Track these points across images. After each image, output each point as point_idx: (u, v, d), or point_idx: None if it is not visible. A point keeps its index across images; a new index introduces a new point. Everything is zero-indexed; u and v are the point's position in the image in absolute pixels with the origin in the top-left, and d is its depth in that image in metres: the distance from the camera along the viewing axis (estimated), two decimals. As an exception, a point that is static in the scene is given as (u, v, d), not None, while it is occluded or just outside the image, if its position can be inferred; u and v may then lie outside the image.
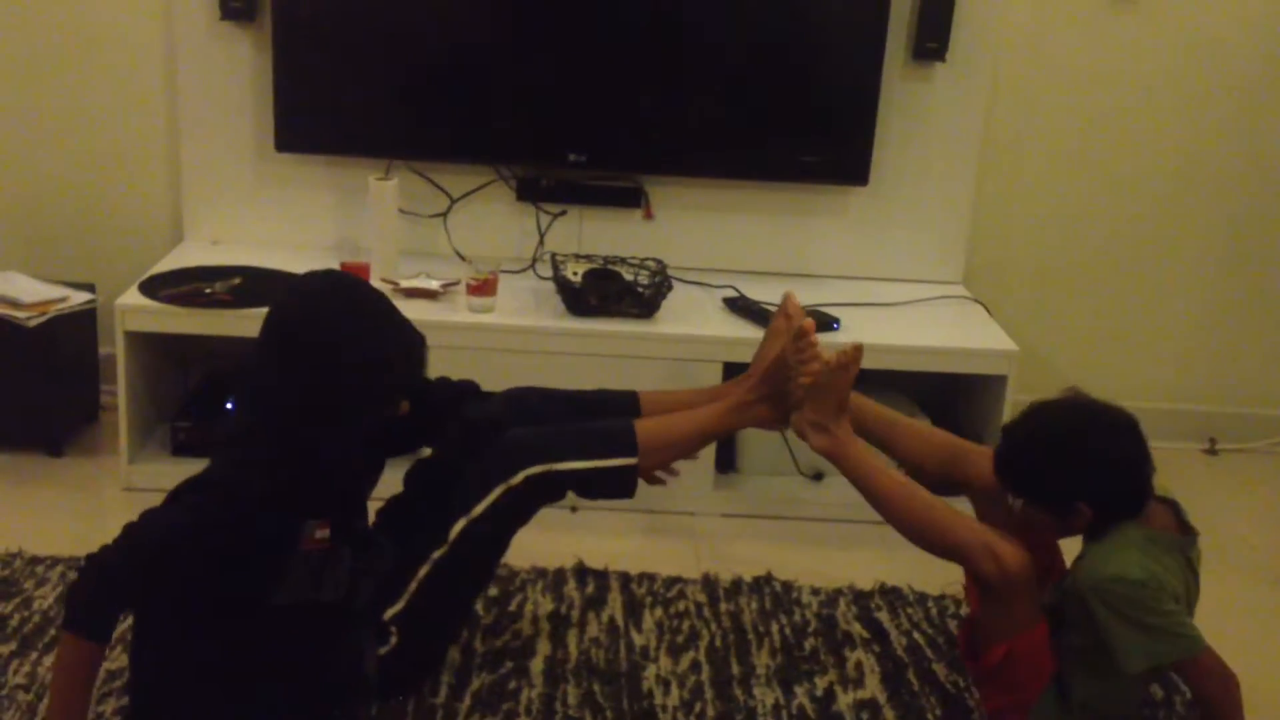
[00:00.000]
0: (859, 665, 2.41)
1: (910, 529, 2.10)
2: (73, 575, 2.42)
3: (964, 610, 2.59)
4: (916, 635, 2.52)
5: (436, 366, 2.82)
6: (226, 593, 1.89)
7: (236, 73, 3.15)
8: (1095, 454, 2.00)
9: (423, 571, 2.08)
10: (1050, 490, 2.02)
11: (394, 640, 2.08)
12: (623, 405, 2.38)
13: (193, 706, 1.97)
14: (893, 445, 2.35)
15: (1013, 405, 2.97)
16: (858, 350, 2.13)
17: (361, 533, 2.13)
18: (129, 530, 1.88)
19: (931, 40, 3.17)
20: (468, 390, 2.34)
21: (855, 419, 2.25)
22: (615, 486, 2.19)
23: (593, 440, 2.17)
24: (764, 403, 2.27)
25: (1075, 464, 2.00)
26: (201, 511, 1.88)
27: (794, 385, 2.22)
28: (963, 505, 2.19)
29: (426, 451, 2.34)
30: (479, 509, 2.08)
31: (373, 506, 2.24)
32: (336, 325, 1.94)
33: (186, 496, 1.93)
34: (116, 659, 2.22)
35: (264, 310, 2.00)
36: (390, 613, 2.08)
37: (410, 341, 2.02)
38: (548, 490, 2.13)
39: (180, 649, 1.96)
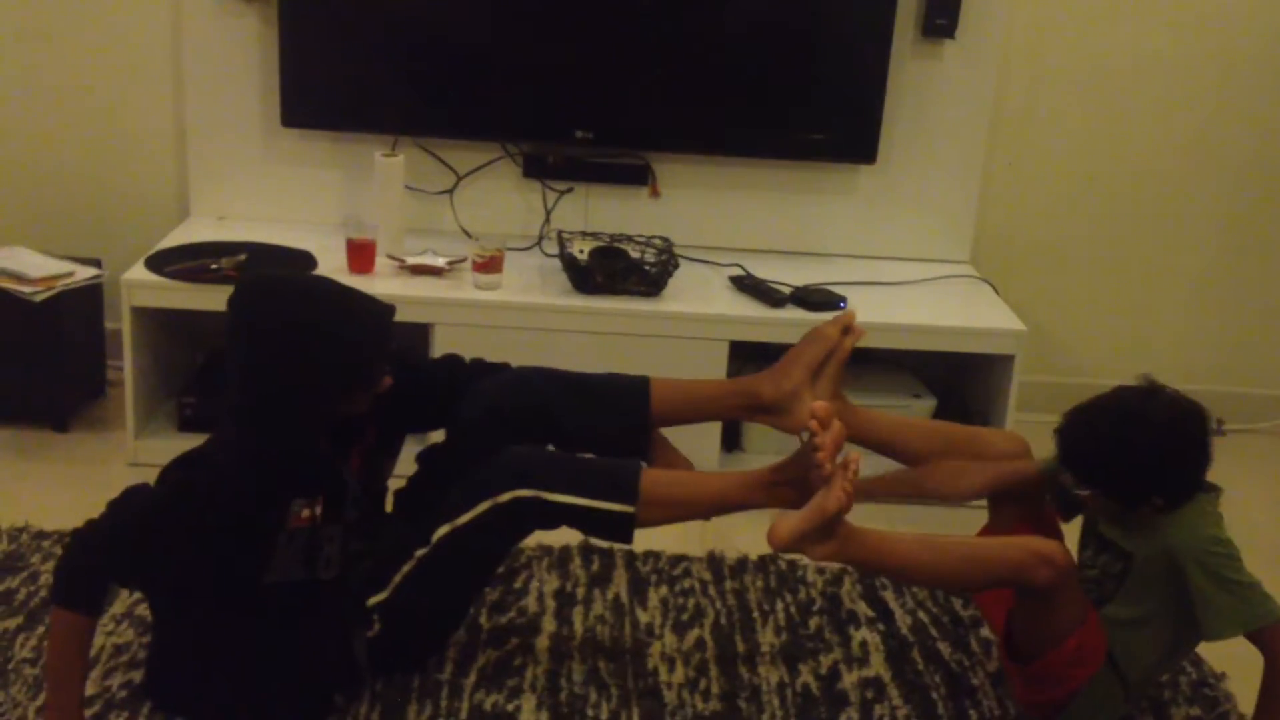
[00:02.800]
0: (863, 644, 2.41)
1: (955, 580, 2.09)
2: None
3: (968, 612, 2.59)
4: (921, 614, 2.52)
5: (442, 344, 2.82)
6: (216, 570, 1.91)
7: (243, 48, 3.14)
8: (1178, 454, 2.02)
9: (407, 567, 2.06)
10: (1130, 487, 2.04)
11: (376, 627, 2.07)
12: (633, 390, 2.28)
13: (197, 680, 2.00)
14: (898, 447, 2.31)
15: (1020, 384, 2.97)
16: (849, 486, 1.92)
17: (367, 511, 2.13)
18: (112, 505, 1.91)
19: (941, 17, 3.15)
20: (481, 370, 2.32)
21: (858, 434, 2.22)
22: (609, 530, 2.07)
23: (594, 477, 2.05)
24: (788, 485, 2.08)
25: (1159, 465, 2.01)
26: (183, 489, 1.91)
27: (815, 481, 1.97)
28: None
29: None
30: (463, 519, 2.02)
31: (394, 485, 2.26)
32: (296, 309, 1.96)
33: (172, 474, 1.95)
34: (122, 633, 2.23)
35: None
36: (374, 600, 2.06)
37: (374, 317, 2.02)
38: (537, 517, 2.05)
39: (183, 624, 1.99)
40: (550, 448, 2.22)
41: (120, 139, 3.26)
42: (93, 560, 1.87)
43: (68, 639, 1.87)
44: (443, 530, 2.03)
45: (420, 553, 2.04)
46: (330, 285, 2.05)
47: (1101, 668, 2.05)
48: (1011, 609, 2.13)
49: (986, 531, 2.28)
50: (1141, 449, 2.01)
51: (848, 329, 2.28)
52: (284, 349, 1.94)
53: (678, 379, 2.34)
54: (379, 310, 2.03)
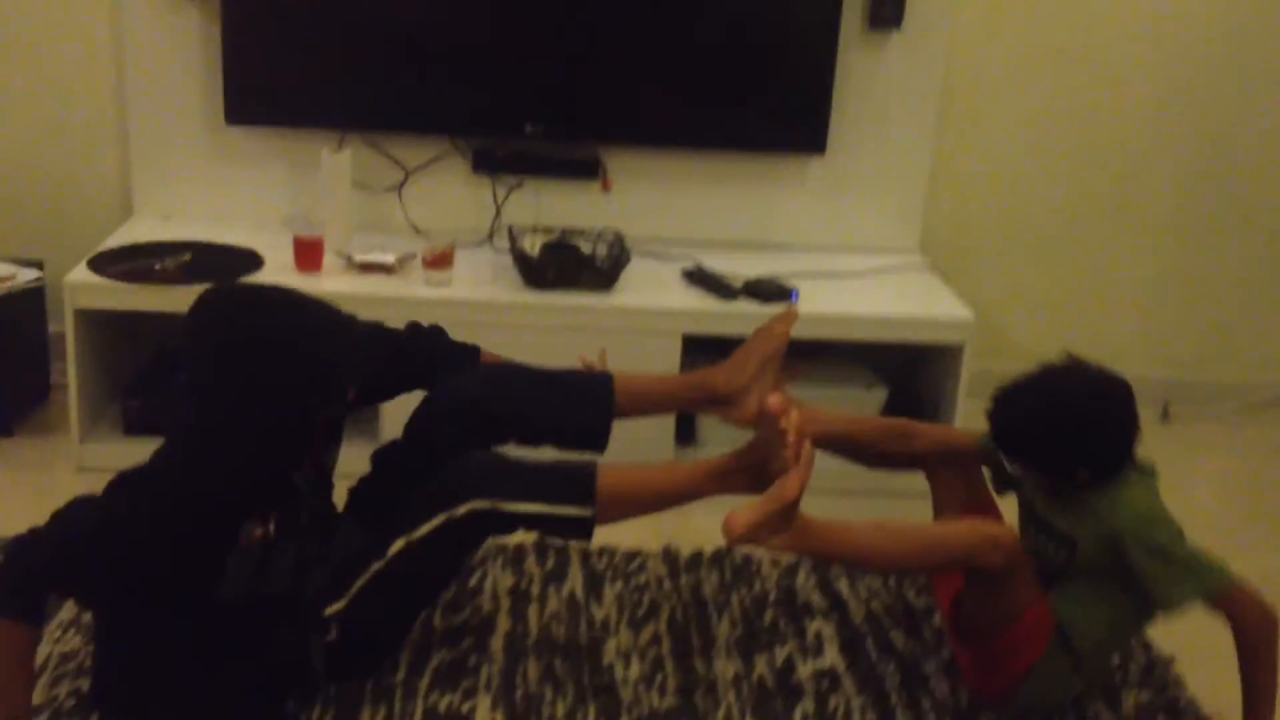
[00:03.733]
0: (818, 635, 2.42)
1: (908, 564, 2.13)
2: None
3: (921, 579, 2.61)
4: (875, 604, 2.53)
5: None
6: (161, 587, 1.89)
7: (185, 44, 3.10)
8: (1099, 424, 2.06)
9: (364, 578, 2.03)
10: (1054, 459, 2.08)
11: (333, 635, 2.05)
12: (597, 385, 2.28)
13: (146, 689, 1.98)
14: (854, 437, 2.37)
15: (971, 372, 2.98)
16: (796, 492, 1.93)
17: (320, 516, 2.11)
18: (55, 516, 1.88)
19: (887, 8, 3.16)
20: (433, 343, 2.30)
21: (815, 430, 2.24)
22: (568, 531, 2.07)
23: (550, 483, 2.05)
24: (744, 473, 2.11)
25: (1079, 435, 2.06)
26: (128, 505, 1.88)
27: (776, 470, 2.01)
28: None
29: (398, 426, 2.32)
30: (419, 531, 2.00)
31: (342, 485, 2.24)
32: (266, 327, 1.93)
33: (124, 489, 1.92)
34: (69, 641, 2.20)
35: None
36: (331, 609, 2.03)
37: (340, 331, 2.00)
38: (494, 525, 2.05)
39: (128, 633, 1.96)
40: (513, 443, 2.22)
41: (61, 138, 3.21)
42: (32, 570, 1.84)
43: (9, 650, 1.84)
44: (399, 544, 2.01)
45: (377, 565, 2.02)
46: (294, 299, 2.01)
47: (1051, 646, 2.07)
48: (960, 592, 2.15)
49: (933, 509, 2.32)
50: (1061, 419, 2.06)
51: (789, 320, 2.35)
52: (247, 369, 1.91)
53: (637, 373, 2.37)
54: (345, 323, 2.00)
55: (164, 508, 1.87)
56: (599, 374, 2.31)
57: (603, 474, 2.06)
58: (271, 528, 1.95)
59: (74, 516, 1.88)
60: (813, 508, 1.95)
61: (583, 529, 2.05)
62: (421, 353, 2.30)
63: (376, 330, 2.28)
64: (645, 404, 2.36)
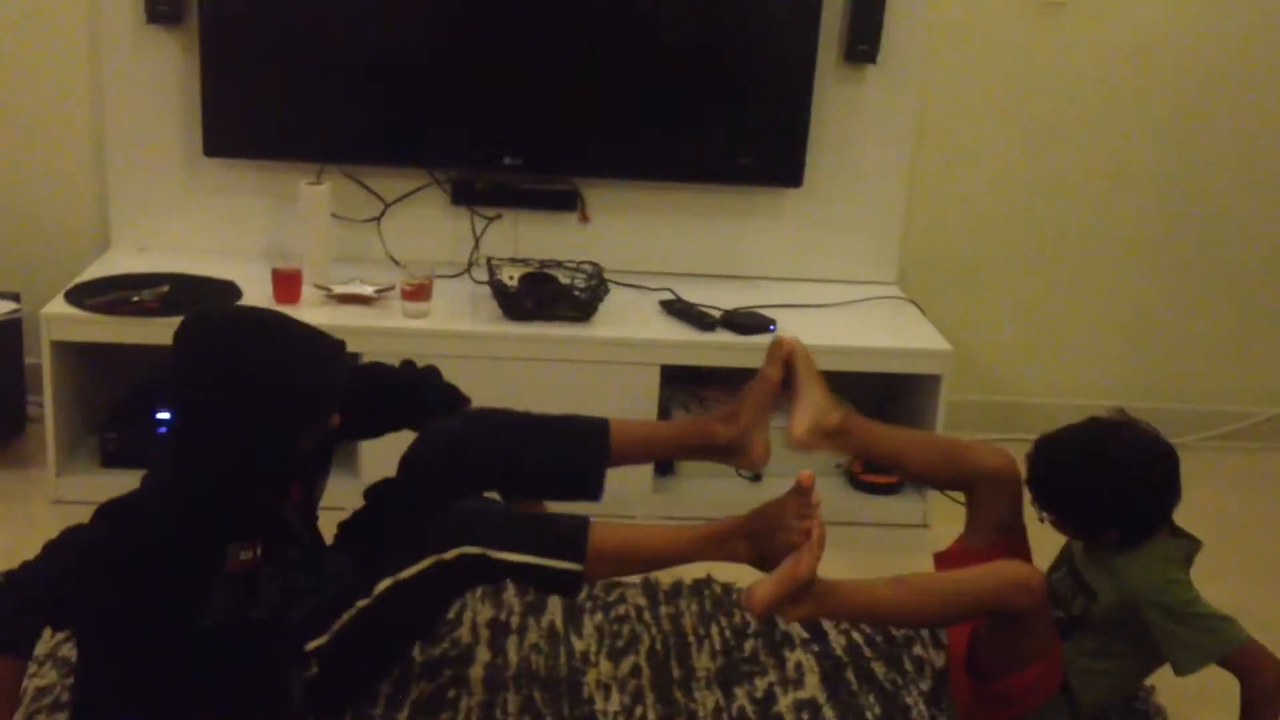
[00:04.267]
0: (798, 665, 2.42)
1: (935, 618, 2.10)
2: None
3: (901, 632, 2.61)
4: (855, 634, 2.53)
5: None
6: (149, 613, 1.88)
7: (163, 76, 3.11)
8: (1137, 487, 2.04)
9: (348, 615, 2.02)
10: (1088, 515, 2.07)
11: (313, 670, 2.03)
12: (592, 431, 2.25)
13: (123, 714, 1.95)
14: (903, 464, 2.40)
15: (948, 404, 3.00)
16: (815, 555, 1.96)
17: (307, 545, 2.10)
18: (48, 548, 1.88)
19: (863, 43, 3.19)
20: (423, 382, 2.29)
21: (863, 447, 2.27)
22: (556, 586, 2.08)
23: (542, 535, 2.04)
24: (745, 540, 2.09)
25: (1116, 496, 2.04)
26: (120, 533, 1.87)
27: (783, 541, 2.03)
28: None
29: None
30: (407, 573, 1.99)
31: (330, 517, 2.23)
32: (248, 352, 1.93)
33: (110, 517, 1.91)
34: (45, 675, 2.18)
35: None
36: (313, 644, 2.02)
37: (326, 356, 1.99)
38: (482, 573, 2.05)
39: (111, 664, 1.95)
40: (505, 491, 2.21)
41: (39, 169, 3.20)
42: (26, 603, 1.83)
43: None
44: (385, 583, 2.00)
45: (362, 603, 2.01)
46: (280, 322, 2.01)
47: (1055, 695, 2.07)
48: (976, 627, 2.13)
49: (961, 539, 2.30)
50: (1098, 482, 2.04)
51: (787, 359, 2.29)
52: (232, 391, 1.90)
53: (635, 420, 2.39)
54: (330, 348, 2.00)
55: (152, 533, 1.87)
56: (595, 420, 2.27)
57: (596, 530, 2.06)
58: (258, 552, 1.94)
59: (66, 548, 1.87)
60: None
61: (571, 584, 2.06)
62: (413, 390, 2.27)
63: (371, 365, 2.29)
64: (642, 450, 2.35)
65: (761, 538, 2.06)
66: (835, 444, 2.29)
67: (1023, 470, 2.17)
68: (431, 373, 2.30)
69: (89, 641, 1.98)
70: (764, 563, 2.08)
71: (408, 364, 2.31)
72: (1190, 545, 2.10)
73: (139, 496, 1.95)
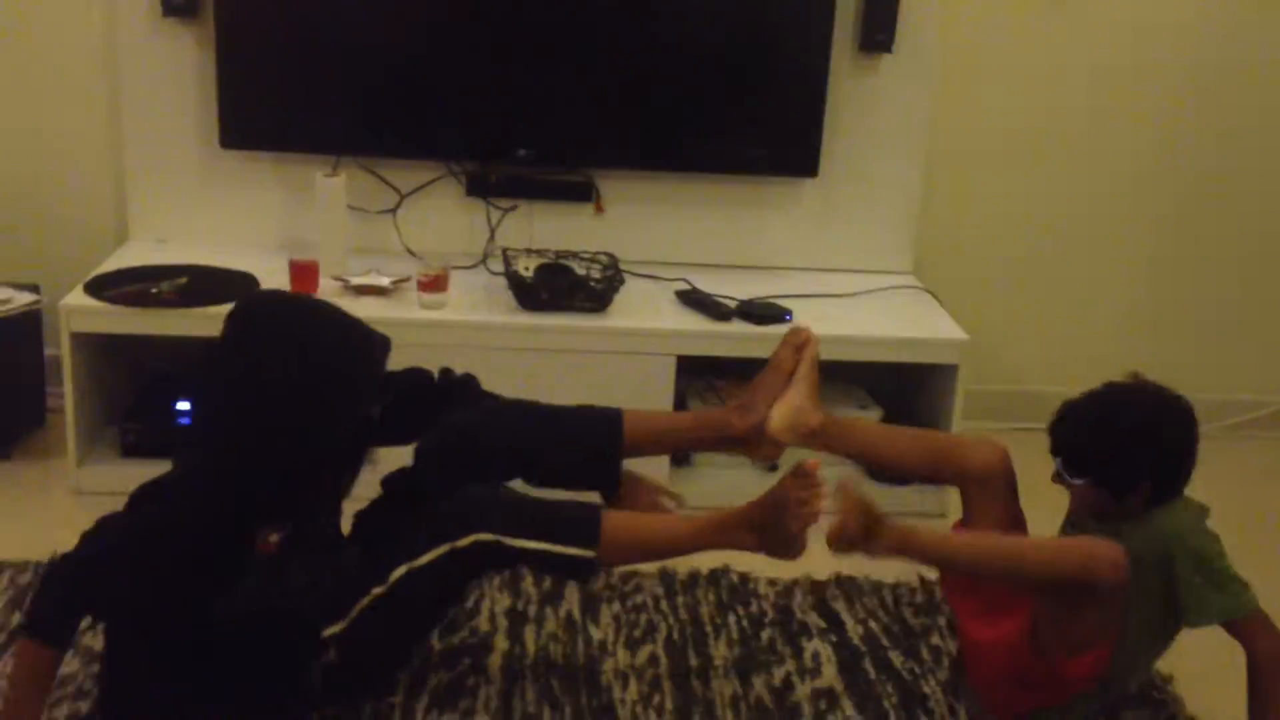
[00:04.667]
0: (816, 655, 2.42)
1: (1016, 575, 2.06)
2: (22, 580, 2.40)
3: (918, 598, 2.61)
4: (873, 624, 2.54)
5: (392, 363, 2.80)
6: (179, 597, 1.89)
7: (180, 70, 3.12)
8: (1167, 438, 2.07)
9: (364, 602, 2.03)
10: (1122, 471, 2.07)
11: (331, 657, 2.04)
12: (606, 422, 2.25)
13: (150, 706, 1.99)
14: (877, 457, 2.39)
15: (965, 393, 3.00)
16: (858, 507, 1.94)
17: (328, 535, 2.12)
18: (86, 539, 1.90)
19: (879, 32, 3.18)
20: (458, 388, 2.30)
21: (840, 443, 2.26)
22: (569, 571, 2.10)
23: (555, 522, 2.05)
24: (752, 531, 2.08)
25: (1148, 447, 2.06)
26: (157, 521, 1.89)
27: (792, 525, 2.02)
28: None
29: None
30: (422, 560, 2.00)
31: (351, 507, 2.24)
32: (299, 337, 1.96)
33: (143, 504, 1.93)
34: (68, 664, 2.19)
35: (212, 310, 2.02)
36: (330, 631, 2.02)
37: (371, 351, 2.02)
38: (496, 559, 2.06)
39: (138, 650, 1.97)
40: (519, 481, 2.21)
41: (57, 163, 3.22)
42: (68, 595, 1.87)
43: (34, 671, 1.87)
44: (400, 571, 2.01)
45: (377, 590, 2.02)
46: (330, 311, 2.04)
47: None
48: (1038, 605, 2.10)
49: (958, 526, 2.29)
50: (1131, 429, 2.06)
51: (801, 347, 2.29)
52: (280, 375, 1.93)
53: (649, 411, 2.39)
54: (376, 342, 2.02)
55: (189, 517, 1.89)
56: (609, 411, 2.27)
57: (609, 518, 2.07)
58: (283, 537, 1.96)
59: (102, 537, 1.90)
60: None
61: (584, 570, 2.07)
62: (447, 395, 2.28)
63: (412, 372, 2.29)
64: (656, 442, 2.35)
65: (765, 526, 2.07)
66: (811, 445, 2.28)
67: (1034, 456, 2.17)
68: (470, 381, 2.31)
69: (122, 628, 1.99)
70: (770, 550, 2.09)
71: (446, 372, 2.31)
72: (1203, 506, 2.12)
73: (173, 480, 1.97)
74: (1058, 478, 2.12)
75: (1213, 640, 2.03)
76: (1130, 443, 2.06)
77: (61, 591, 1.87)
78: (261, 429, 1.94)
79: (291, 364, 1.94)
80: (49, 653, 1.87)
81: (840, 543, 1.94)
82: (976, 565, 2.06)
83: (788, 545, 2.04)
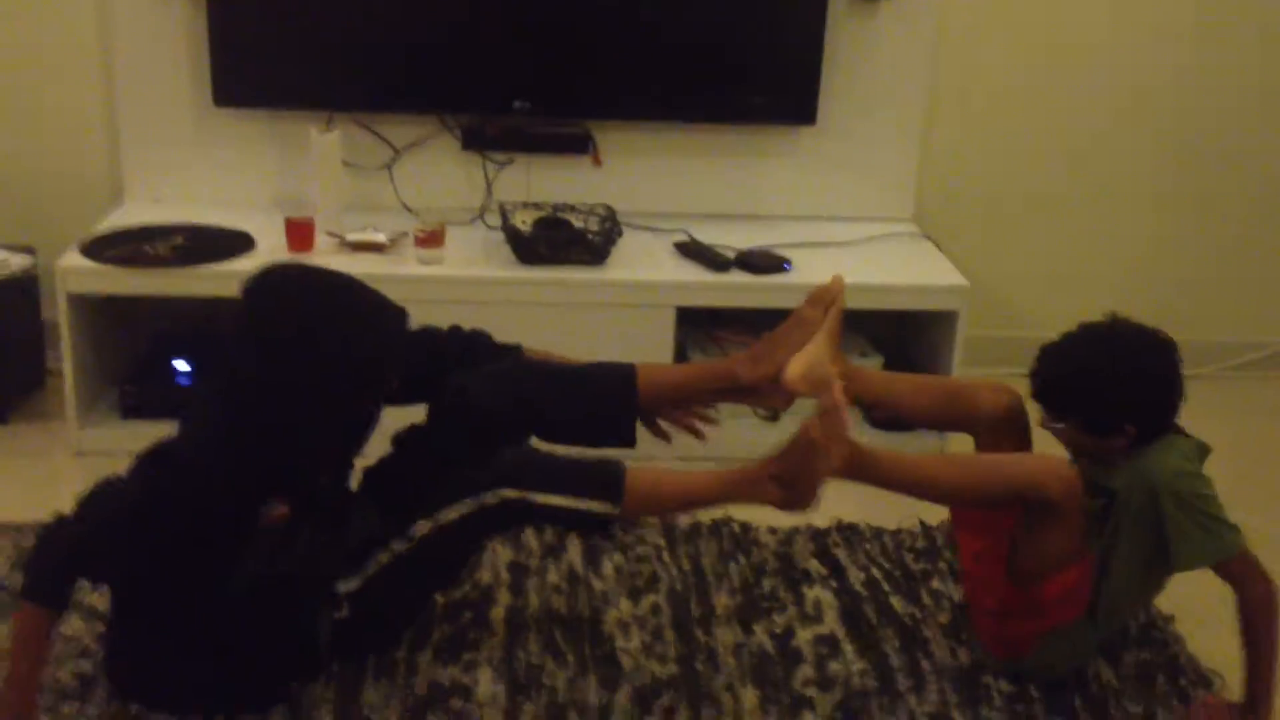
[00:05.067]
0: (817, 602, 2.43)
1: (968, 493, 2.09)
2: (25, 543, 2.40)
3: (919, 544, 2.62)
4: (874, 570, 2.54)
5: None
6: (183, 566, 1.90)
7: (172, 27, 3.09)
8: (1149, 377, 2.07)
9: (383, 558, 2.04)
10: (1104, 413, 2.07)
11: (344, 613, 2.05)
12: (620, 379, 2.20)
13: (156, 665, 2.00)
14: (903, 412, 2.36)
15: (965, 339, 2.99)
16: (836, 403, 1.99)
17: (337, 499, 2.11)
18: (84, 501, 1.89)
19: (875, -23, 3.15)
20: (469, 346, 2.27)
21: (853, 387, 2.23)
22: (592, 526, 2.15)
23: (578, 478, 2.08)
24: (775, 482, 2.08)
25: (1131, 387, 2.06)
26: (158, 488, 1.89)
27: (820, 467, 2.00)
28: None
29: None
30: (447, 516, 2.03)
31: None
32: (319, 312, 1.95)
33: (146, 468, 1.93)
34: (71, 624, 2.20)
35: (209, 269, 2.00)
36: (345, 587, 2.03)
37: (390, 325, 2.01)
38: (520, 516, 2.09)
39: (144, 612, 1.97)
40: (537, 437, 2.19)
41: (50, 123, 3.20)
42: (63, 558, 1.87)
43: (33, 634, 1.87)
44: (425, 526, 2.03)
45: (398, 546, 2.03)
46: (349, 286, 2.02)
47: (1082, 617, 2.08)
48: (1013, 530, 2.11)
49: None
50: (1113, 369, 2.06)
51: (829, 305, 2.24)
52: (301, 350, 1.92)
53: (660, 364, 2.38)
54: (395, 315, 2.01)
55: (192, 487, 1.89)
56: (622, 366, 2.22)
57: (633, 474, 2.10)
58: (290, 508, 1.96)
59: (102, 502, 1.90)
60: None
61: (607, 525, 2.10)
62: (461, 354, 2.26)
63: (421, 329, 2.27)
64: (669, 396, 2.32)
65: (789, 478, 2.06)
66: (822, 394, 2.22)
67: (1028, 401, 2.17)
68: (479, 335, 2.30)
69: (122, 591, 2.00)
70: (789, 504, 2.08)
71: (455, 329, 2.30)
72: (1202, 445, 2.11)
73: (180, 445, 1.96)
74: (1044, 422, 2.13)
75: (1212, 579, 2.03)
76: (1107, 384, 2.06)
77: (58, 556, 1.86)
78: (274, 405, 1.92)
79: (315, 346, 1.92)
80: (46, 613, 1.87)
81: (802, 434, 1.96)
82: (936, 481, 2.07)
83: (807, 495, 2.03)
